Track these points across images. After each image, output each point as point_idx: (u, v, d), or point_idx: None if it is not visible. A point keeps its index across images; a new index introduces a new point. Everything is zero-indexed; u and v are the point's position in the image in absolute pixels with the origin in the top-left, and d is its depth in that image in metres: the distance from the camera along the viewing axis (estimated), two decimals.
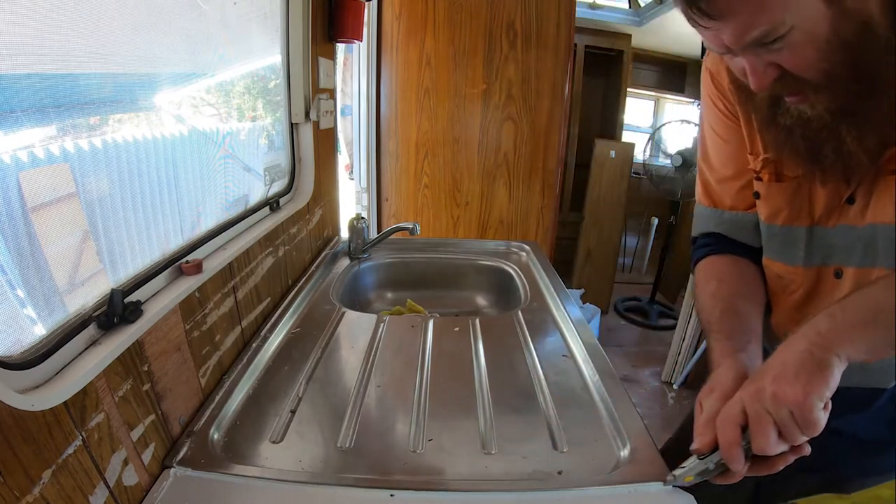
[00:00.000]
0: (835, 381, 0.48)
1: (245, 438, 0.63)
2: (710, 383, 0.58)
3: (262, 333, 0.88)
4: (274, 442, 0.62)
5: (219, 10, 0.81)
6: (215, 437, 0.63)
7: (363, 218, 1.32)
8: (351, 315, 0.99)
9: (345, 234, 1.45)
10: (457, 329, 0.94)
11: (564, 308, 1.01)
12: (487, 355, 0.84)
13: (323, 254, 1.31)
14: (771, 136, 0.60)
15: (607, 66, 3.31)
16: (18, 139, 0.45)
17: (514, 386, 0.76)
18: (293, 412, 0.68)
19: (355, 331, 0.93)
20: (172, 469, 0.57)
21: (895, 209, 0.56)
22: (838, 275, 0.64)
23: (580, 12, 1.95)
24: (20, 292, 0.45)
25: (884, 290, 0.50)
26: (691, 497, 0.54)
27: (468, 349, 0.87)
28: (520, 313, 1.00)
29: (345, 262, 1.30)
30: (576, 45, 2.36)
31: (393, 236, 1.34)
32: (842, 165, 0.54)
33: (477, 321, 0.96)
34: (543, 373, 0.79)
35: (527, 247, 1.40)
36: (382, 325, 0.95)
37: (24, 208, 0.45)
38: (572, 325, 0.93)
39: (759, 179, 0.67)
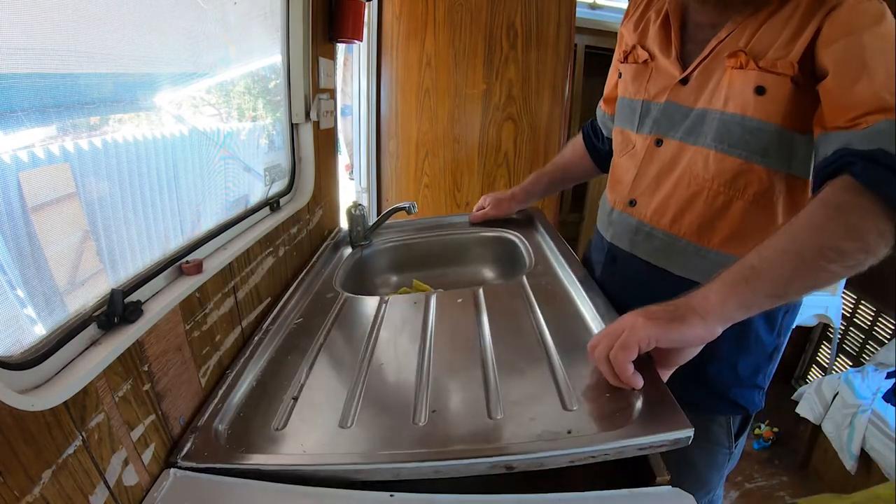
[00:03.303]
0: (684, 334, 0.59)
1: (247, 432, 0.63)
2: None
3: (265, 327, 0.87)
4: (277, 429, 0.62)
5: (219, 9, 0.81)
6: (218, 428, 0.62)
7: (361, 205, 1.30)
8: (354, 299, 0.98)
9: (344, 225, 1.44)
10: (460, 300, 0.91)
11: (570, 268, 0.98)
12: (492, 322, 0.82)
13: (325, 244, 1.30)
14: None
15: (607, 66, 3.31)
16: (18, 139, 0.45)
17: (521, 349, 0.74)
18: (295, 399, 0.68)
19: (358, 313, 0.92)
20: (172, 469, 0.57)
21: (724, 98, 0.73)
22: (658, 143, 0.83)
23: (580, 12, 1.95)
24: (20, 292, 0.45)
25: (755, 253, 0.60)
26: (691, 497, 0.54)
27: (472, 318, 0.85)
28: (524, 278, 0.98)
29: (347, 250, 1.28)
30: (576, 45, 2.36)
31: (393, 219, 1.33)
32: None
33: (480, 290, 0.94)
34: (550, 333, 0.76)
35: (529, 213, 1.37)
36: (385, 304, 0.94)
37: (24, 208, 0.45)
38: (578, 285, 0.91)
39: (626, 62, 0.91)
